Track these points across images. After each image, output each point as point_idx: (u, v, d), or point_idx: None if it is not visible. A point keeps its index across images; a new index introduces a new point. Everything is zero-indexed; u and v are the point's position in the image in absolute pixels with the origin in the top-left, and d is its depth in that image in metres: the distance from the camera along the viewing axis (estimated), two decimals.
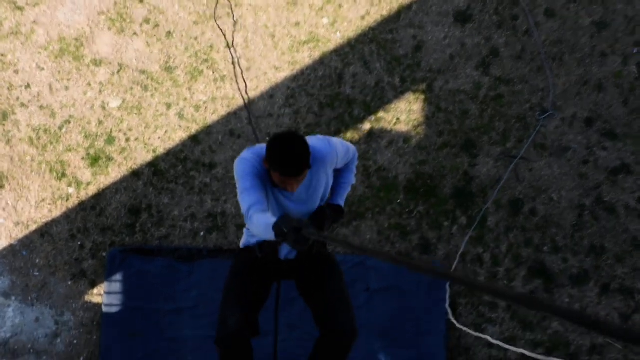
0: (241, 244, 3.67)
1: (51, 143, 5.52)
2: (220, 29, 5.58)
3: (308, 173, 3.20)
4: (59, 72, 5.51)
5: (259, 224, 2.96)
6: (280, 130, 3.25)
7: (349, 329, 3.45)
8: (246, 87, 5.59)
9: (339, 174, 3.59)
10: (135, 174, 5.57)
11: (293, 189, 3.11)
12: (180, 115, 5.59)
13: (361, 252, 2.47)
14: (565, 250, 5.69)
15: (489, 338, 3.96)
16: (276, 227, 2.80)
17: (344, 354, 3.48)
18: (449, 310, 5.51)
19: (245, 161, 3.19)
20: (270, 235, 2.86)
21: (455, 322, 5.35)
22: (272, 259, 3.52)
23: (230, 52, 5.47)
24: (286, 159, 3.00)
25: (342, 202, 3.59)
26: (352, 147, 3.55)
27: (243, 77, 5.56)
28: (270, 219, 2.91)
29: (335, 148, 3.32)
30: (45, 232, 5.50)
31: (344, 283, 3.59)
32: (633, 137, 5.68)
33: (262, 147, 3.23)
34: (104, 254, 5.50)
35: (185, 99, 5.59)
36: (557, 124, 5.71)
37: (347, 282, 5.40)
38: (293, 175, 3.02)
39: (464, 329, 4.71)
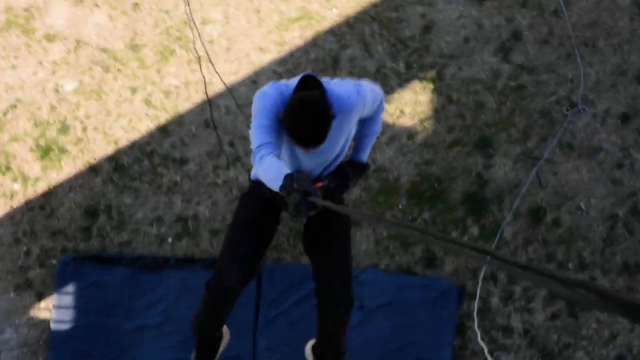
0: (252, 175, 3.51)
1: None
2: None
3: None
4: (5, 47, 5.02)
5: (270, 169, 2.90)
6: (304, 94, 2.98)
7: (345, 298, 3.55)
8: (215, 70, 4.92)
9: (363, 124, 3.40)
10: (93, 170, 5.08)
11: (308, 151, 3.05)
12: (148, 102, 5.10)
13: (378, 223, 2.40)
14: (594, 267, 5.13)
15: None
16: (288, 180, 2.73)
17: (341, 322, 3.66)
18: (479, 332, 4.85)
19: (267, 97, 3.07)
20: (275, 185, 2.81)
21: (485, 349, 4.72)
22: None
23: (186, 11, 4.84)
24: (302, 133, 2.92)
25: (365, 157, 3.54)
26: (380, 94, 3.38)
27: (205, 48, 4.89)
28: (285, 168, 2.86)
29: (364, 98, 3.17)
30: None
31: (349, 242, 3.60)
32: None
33: (287, 84, 3.12)
34: (54, 262, 5.00)
35: (154, 83, 5.10)
36: (587, 120, 5.20)
37: None
38: (307, 147, 2.98)
39: None
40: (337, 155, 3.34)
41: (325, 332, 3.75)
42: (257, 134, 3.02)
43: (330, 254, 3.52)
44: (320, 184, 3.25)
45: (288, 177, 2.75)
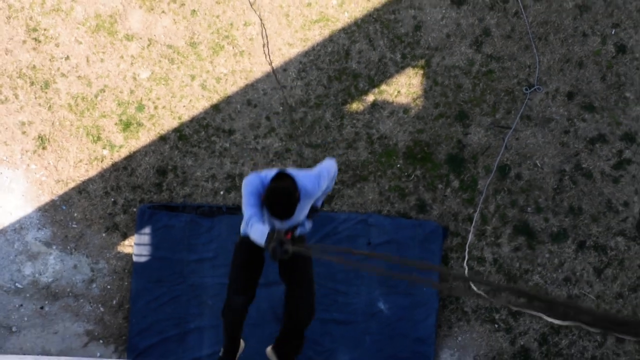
0: (242, 232, 4.43)
1: (88, 109, 6.06)
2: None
3: None
4: (95, 45, 6.05)
5: (256, 230, 3.93)
6: (278, 184, 3.97)
7: (307, 315, 4.52)
8: (270, 57, 6.14)
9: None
10: (163, 139, 6.12)
11: (281, 222, 4.02)
12: (203, 86, 6.13)
13: (338, 261, 3.25)
14: (547, 210, 6.25)
15: (510, 305, 4.47)
16: (269, 235, 3.79)
17: (301, 330, 4.61)
18: (466, 270, 5.99)
19: (251, 183, 4.09)
20: (261, 240, 3.84)
21: (474, 288, 5.85)
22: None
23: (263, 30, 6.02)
24: (276, 211, 3.88)
25: (319, 204, 4.59)
26: (334, 171, 4.35)
27: (268, 47, 6.12)
28: (266, 228, 3.89)
29: (321, 187, 4.24)
30: (82, 189, 6.06)
31: (312, 271, 4.49)
32: (609, 109, 6.26)
33: (266, 174, 4.12)
34: (134, 210, 6.05)
35: (208, 72, 6.13)
36: (541, 97, 6.23)
37: (350, 237, 5.99)
38: (280, 220, 3.97)
39: (483, 295, 5.25)
40: (302, 221, 4.38)
41: (287, 330, 4.61)
42: (247, 209, 4.04)
43: (297, 280, 4.45)
44: (289, 236, 4.18)
45: (269, 233, 3.79)
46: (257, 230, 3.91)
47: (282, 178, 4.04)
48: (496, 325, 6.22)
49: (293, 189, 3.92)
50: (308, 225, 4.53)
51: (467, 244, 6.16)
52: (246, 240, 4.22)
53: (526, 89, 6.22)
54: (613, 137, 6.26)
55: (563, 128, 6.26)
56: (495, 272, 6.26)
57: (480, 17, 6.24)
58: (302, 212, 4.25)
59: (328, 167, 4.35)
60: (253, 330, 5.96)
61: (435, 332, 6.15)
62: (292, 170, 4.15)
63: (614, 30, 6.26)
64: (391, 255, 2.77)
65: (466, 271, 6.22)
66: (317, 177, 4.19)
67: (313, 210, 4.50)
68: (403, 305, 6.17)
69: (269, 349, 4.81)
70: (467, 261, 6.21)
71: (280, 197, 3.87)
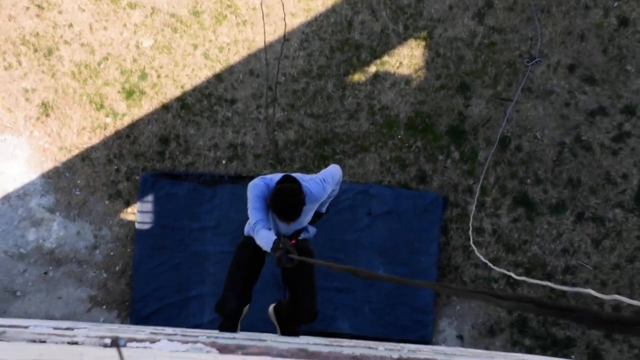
0: (245, 232, 4.56)
1: (91, 77, 6.18)
2: None
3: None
4: (98, 13, 6.15)
5: (263, 237, 3.99)
6: (284, 185, 4.01)
7: (309, 319, 4.58)
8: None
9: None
10: (165, 107, 6.25)
11: (289, 224, 4.07)
12: (206, 55, 6.24)
13: (339, 270, 3.15)
14: (546, 182, 6.39)
15: (512, 274, 4.49)
16: (275, 243, 3.85)
17: (299, 325, 4.70)
18: (475, 248, 6.08)
19: (256, 187, 4.11)
20: (268, 247, 3.92)
21: (480, 256, 5.96)
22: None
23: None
24: (282, 212, 3.96)
25: (323, 210, 4.64)
26: (339, 176, 4.42)
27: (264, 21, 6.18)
28: (273, 235, 3.95)
29: (326, 191, 4.33)
30: (85, 156, 6.20)
31: (314, 276, 4.53)
32: (610, 82, 6.34)
33: (271, 177, 4.17)
34: (137, 178, 6.21)
35: (211, 41, 6.24)
36: (542, 69, 6.37)
37: (351, 207, 6.14)
38: (287, 222, 4.02)
39: (489, 264, 5.33)
40: (306, 226, 4.46)
41: (288, 321, 4.71)
42: (253, 214, 4.08)
43: (300, 286, 4.50)
44: (294, 242, 4.35)
45: (276, 241, 3.86)
46: (263, 237, 3.98)
47: (288, 181, 4.13)
48: None
49: (299, 190, 4.01)
50: (312, 230, 4.62)
51: (471, 215, 6.26)
52: (249, 241, 4.33)
53: (528, 61, 6.33)
54: (613, 109, 6.34)
55: (564, 100, 6.35)
56: (495, 243, 6.37)
57: None
58: (307, 216, 4.34)
59: (333, 172, 4.44)
60: (255, 296, 6.08)
61: (434, 301, 6.27)
62: (298, 175, 4.25)
63: (616, 3, 6.31)
64: (394, 277, 2.76)
65: (471, 241, 6.31)
66: (322, 181, 4.27)
67: (317, 215, 4.58)
68: (402, 274, 6.28)
69: (271, 310, 4.91)
70: (470, 231, 6.30)
71: (286, 198, 3.95)
